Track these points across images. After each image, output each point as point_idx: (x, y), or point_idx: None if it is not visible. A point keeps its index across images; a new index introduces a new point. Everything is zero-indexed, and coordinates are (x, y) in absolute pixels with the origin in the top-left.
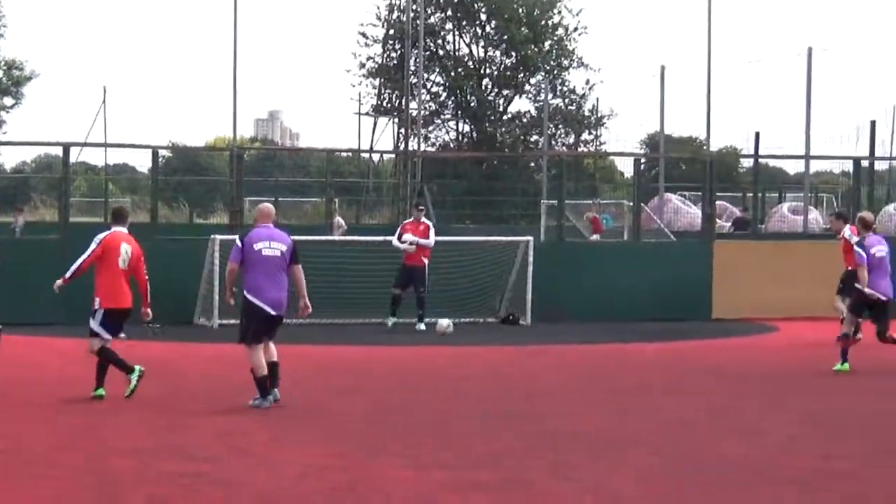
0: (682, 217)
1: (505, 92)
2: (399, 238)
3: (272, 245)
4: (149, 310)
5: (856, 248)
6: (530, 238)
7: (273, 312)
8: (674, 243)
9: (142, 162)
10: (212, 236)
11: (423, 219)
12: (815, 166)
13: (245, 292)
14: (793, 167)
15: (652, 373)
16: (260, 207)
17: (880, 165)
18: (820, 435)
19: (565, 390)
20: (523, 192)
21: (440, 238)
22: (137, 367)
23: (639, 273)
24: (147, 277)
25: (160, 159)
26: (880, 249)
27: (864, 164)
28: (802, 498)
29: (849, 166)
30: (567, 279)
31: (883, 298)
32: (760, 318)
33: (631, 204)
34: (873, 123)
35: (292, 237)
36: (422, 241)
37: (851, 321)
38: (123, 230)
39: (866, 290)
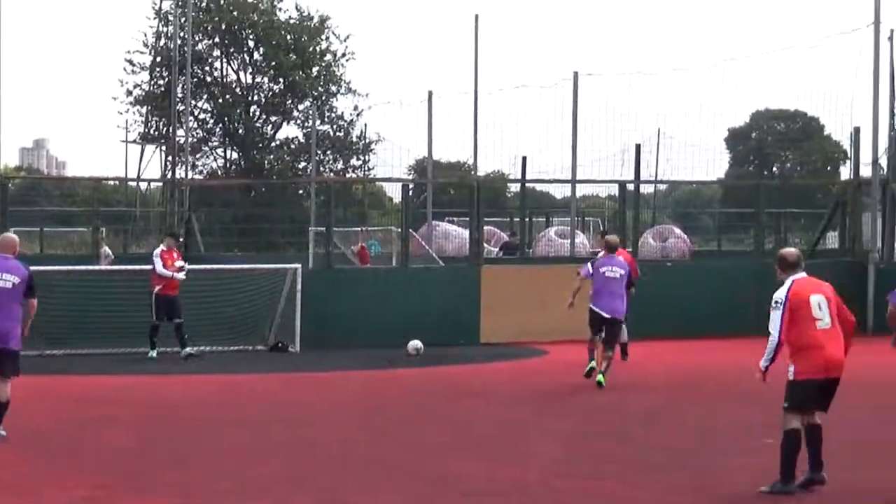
0: (452, 241)
1: (273, 118)
2: (165, 266)
3: (4, 277)
4: None
5: (587, 264)
6: (298, 265)
7: None
8: (442, 268)
9: None
10: None
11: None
12: (582, 190)
13: None
14: (560, 191)
15: (417, 398)
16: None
17: (645, 189)
18: (588, 455)
19: (332, 417)
20: (292, 220)
21: (208, 266)
22: None
23: (407, 298)
24: None
25: None
26: (612, 270)
27: (630, 187)
28: None
29: (615, 190)
30: (336, 306)
31: (607, 316)
32: (528, 341)
33: (399, 230)
34: (638, 147)
35: (31, 269)
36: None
37: (591, 339)
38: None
39: (591, 305)
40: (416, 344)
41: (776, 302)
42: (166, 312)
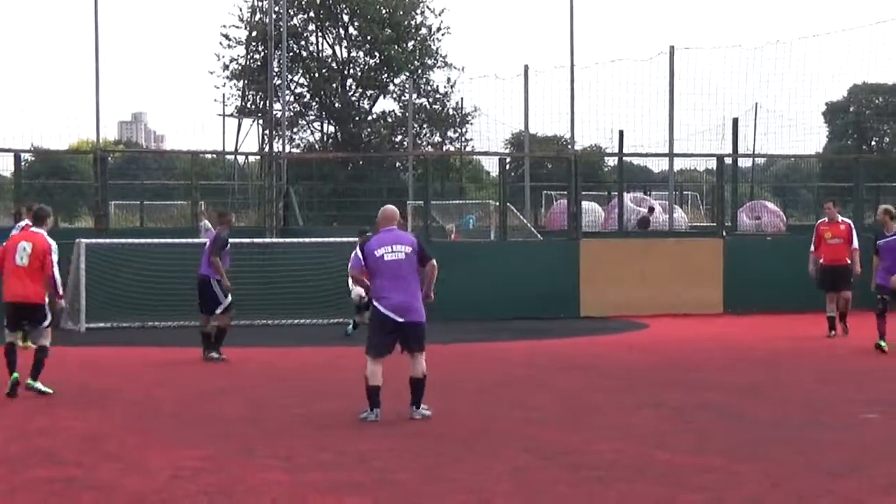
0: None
1: (369, 92)
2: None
3: (395, 248)
4: (61, 301)
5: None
6: None
7: None
8: (541, 242)
9: (4, 166)
10: (77, 240)
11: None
12: (679, 164)
13: None
14: (657, 165)
15: (521, 370)
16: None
17: (743, 163)
18: (691, 430)
19: (431, 389)
20: (389, 193)
21: (307, 240)
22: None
23: (507, 272)
24: (53, 271)
25: (23, 163)
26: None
27: (728, 161)
28: (676, 492)
29: (712, 164)
30: (437, 279)
31: None
32: (628, 315)
33: (497, 203)
34: (735, 121)
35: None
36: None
37: None
38: (35, 230)
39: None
40: (358, 292)
41: None
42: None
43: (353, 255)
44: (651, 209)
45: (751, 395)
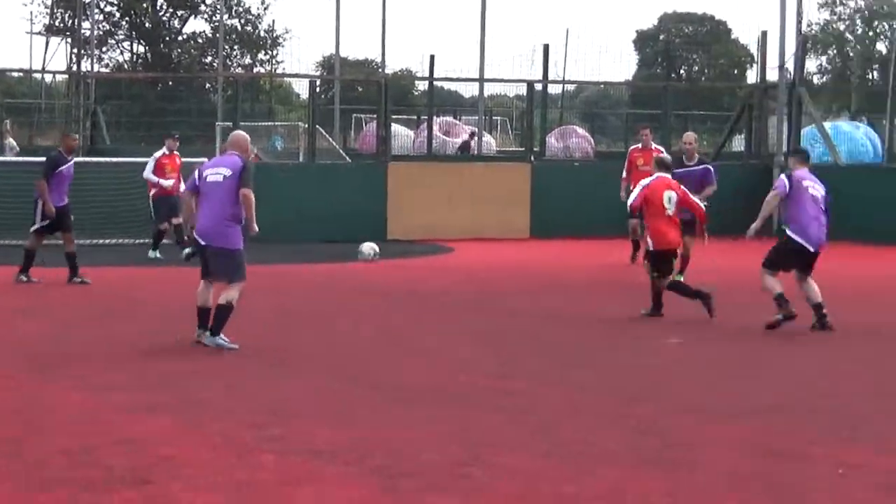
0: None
1: (180, 12)
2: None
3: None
4: None
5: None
6: (205, 160)
7: None
8: (349, 165)
9: None
10: None
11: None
12: (490, 89)
13: None
14: (468, 90)
15: (324, 294)
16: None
17: (554, 89)
18: (494, 354)
19: (242, 312)
20: (199, 114)
21: (114, 160)
22: None
23: (314, 195)
24: None
25: None
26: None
27: (538, 87)
28: (478, 414)
29: (523, 89)
30: None
31: None
32: (435, 239)
33: (306, 125)
34: (546, 47)
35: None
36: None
37: None
38: None
39: None
40: (371, 246)
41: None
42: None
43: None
44: (473, 134)
45: (555, 321)
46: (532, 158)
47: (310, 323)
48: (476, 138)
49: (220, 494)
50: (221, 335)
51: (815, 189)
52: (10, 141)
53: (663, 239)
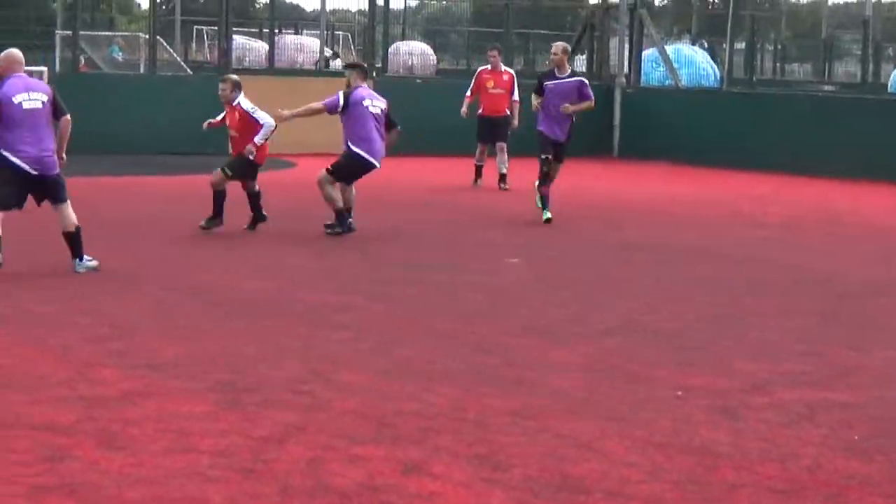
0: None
1: None
2: None
3: (32, 96)
4: None
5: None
6: (44, 69)
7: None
8: (191, 76)
9: None
10: None
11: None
12: (332, 4)
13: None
14: (310, 4)
15: (166, 207)
16: (8, 53)
17: (396, 4)
18: (335, 272)
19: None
20: (37, 21)
21: None
22: None
23: (156, 106)
24: None
25: None
26: None
27: (380, 2)
28: (318, 331)
29: (365, 4)
30: (83, 112)
31: None
32: (276, 154)
33: (147, 36)
34: None
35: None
36: None
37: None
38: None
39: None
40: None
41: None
42: None
43: None
44: (335, 55)
45: (395, 240)
46: (374, 74)
47: (152, 237)
48: (338, 59)
49: (62, 408)
50: (86, 256)
51: (374, 106)
52: None
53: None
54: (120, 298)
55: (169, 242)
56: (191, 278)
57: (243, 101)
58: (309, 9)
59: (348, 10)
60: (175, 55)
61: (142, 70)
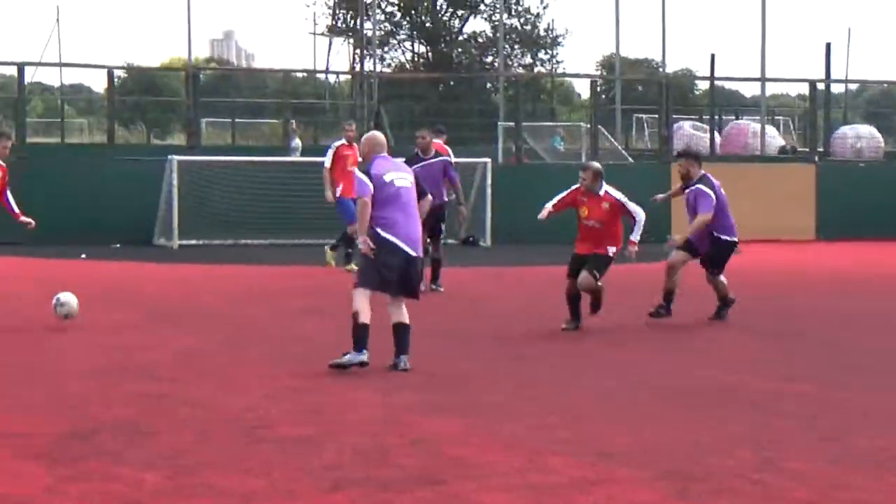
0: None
1: (460, 12)
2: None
3: (404, 175)
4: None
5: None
6: (488, 160)
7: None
8: (631, 165)
9: (97, 82)
10: (169, 157)
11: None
12: (772, 89)
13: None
14: (749, 90)
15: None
16: (371, 136)
17: (836, 88)
18: (782, 354)
19: (526, 311)
20: (480, 114)
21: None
22: None
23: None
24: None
25: (116, 80)
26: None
27: (820, 86)
28: (764, 418)
29: (805, 89)
30: (526, 201)
31: None
32: None
33: (588, 126)
34: (828, 46)
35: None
36: None
37: None
38: None
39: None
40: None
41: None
42: None
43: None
44: (794, 149)
45: (851, 324)
46: (816, 159)
47: (593, 324)
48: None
49: (512, 496)
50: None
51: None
52: (297, 141)
53: None
54: (568, 386)
55: (606, 329)
56: (631, 366)
57: (612, 190)
58: (748, 94)
59: (787, 95)
60: (616, 143)
61: (583, 159)
